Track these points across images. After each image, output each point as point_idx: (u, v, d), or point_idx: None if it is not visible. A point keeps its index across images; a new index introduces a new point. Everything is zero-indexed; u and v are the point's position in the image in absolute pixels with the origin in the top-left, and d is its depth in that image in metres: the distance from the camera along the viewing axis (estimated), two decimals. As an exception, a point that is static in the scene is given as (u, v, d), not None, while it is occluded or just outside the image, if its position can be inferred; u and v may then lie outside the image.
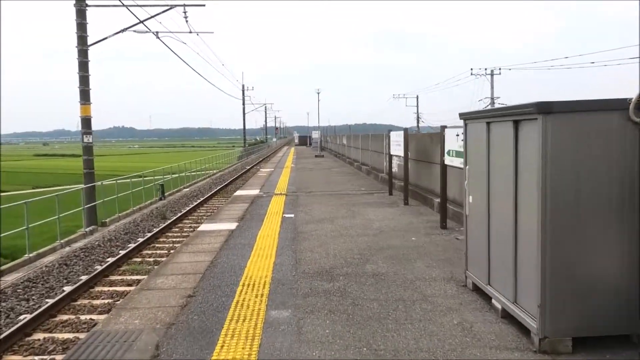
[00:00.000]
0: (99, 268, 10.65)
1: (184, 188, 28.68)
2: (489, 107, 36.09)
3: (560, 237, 3.69)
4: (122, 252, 12.00)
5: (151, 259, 11.69)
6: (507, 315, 4.39)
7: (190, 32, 19.44)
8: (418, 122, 65.19)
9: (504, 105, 4.27)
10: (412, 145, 12.36)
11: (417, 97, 64.46)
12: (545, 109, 3.60)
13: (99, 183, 18.59)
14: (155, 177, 27.27)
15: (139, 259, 11.75)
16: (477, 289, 5.13)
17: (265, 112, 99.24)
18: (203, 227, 9.55)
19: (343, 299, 5.11)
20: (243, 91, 63.25)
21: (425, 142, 12.10)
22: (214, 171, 42.91)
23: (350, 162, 27.41)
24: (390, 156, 13.46)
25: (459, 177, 9.20)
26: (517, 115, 4.04)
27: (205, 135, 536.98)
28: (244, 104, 62.70)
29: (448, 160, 8.18)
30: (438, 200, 10.26)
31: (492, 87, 35.65)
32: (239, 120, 69.75)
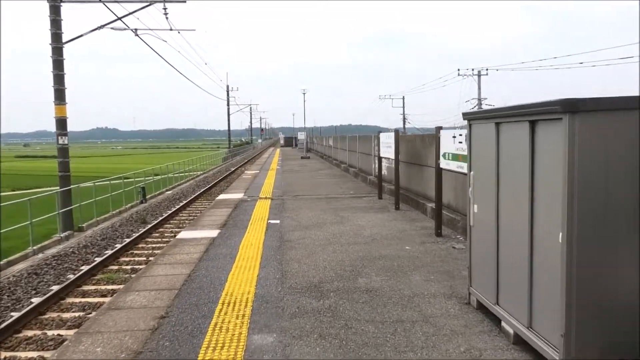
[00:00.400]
0: (72, 277, 10.00)
1: (167, 191, 27.94)
2: (476, 108, 35.86)
3: (589, 253, 3.18)
4: (98, 260, 11.36)
5: (128, 267, 11.07)
6: (520, 341, 3.89)
7: (171, 29, 18.77)
8: (404, 123, 65.02)
9: (517, 104, 3.74)
10: (403, 147, 11.88)
11: (403, 98, 64.29)
12: (572, 107, 3.09)
13: (76, 186, 17.84)
14: (137, 179, 26.53)
15: (115, 267, 11.13)
16: (482, 307, 4.63)
17: (251, 113, 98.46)
18: (183, 234, 8.95)
19: (335, 320, 4.57)
20: (227, 92, 62.45)
21: (417, 144, 11.62)
22: (198, 173, 42.11)
23: (337, 164, 26.91)
24: (380, 158, 12.96)
25: (453, 182, 8.75)
26: (535, 115, 3.54)
27: (190, 137, 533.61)
28: (228, 104, 61.89)
29: (444, 164, 7.70)
30: (431, 205, 9.79)
31: (479, 88, 35.48)
32: (223, 122, 68.63)
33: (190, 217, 16.32)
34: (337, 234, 8.55)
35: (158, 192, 26.41)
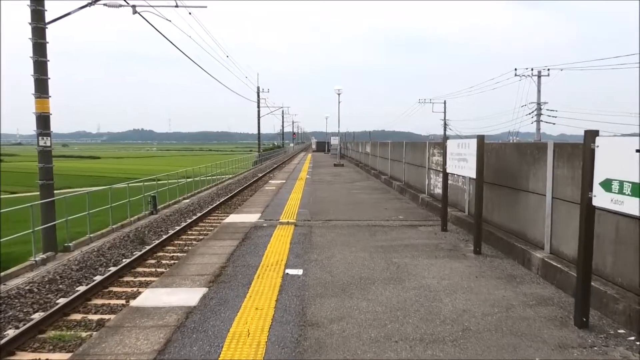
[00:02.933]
0: (9, 335, 6.95)
1: (184, 199, 24.98)
2: (535, 113, 31.70)
3: None
4: (61, 302, 8.34)
5: (95, 317, 7.99)
6: None
7: (177, 6, 15.59)
8: (445, 129, 60.91)
9: None
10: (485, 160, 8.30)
11: (445, 102, 60.25)
12: None
13: (62, 197, 14.86)
14: (160, 183, 23.66)
15: (78, 317, 8.03)
16: None
17: (283, 116, 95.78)
18: (144, 298, 5.59)
19: None
20: (258, 93, 59.59)
21: (508, 157, 8.02)
22: (225, 177, 39.29)
23: (376, 174, 23.36)
24: (446, 174, 9.42)
25: (613, 229, 5.10)
26: None
27: (224, 139, 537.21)
28: (258, 106, 58.99)
29: (606, 199, 4.13)
30: (539, 255, 6.21)
31: (538, 91, 31.14)
32: (256, 125, 65.84)
33: (186, 247, 13.08)
34: (395, 307, 5.08)
35: (173, 201, 23.44)
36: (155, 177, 26.05)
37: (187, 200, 24.49)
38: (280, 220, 10.51)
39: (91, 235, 15.05)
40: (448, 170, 9.12)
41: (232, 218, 11.18)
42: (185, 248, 12.63)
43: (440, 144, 12.17)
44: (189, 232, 14.93)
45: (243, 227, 9.82)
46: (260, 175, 36.52)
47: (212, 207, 19.83)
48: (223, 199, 22.53)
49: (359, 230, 9.52)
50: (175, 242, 13.75)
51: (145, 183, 23.51)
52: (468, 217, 9.61)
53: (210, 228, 14.55)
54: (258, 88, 60.43)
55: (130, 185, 21.50)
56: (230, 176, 41.02)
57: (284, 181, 21.39)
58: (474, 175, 7.59)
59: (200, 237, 13.56)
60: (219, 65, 40.97)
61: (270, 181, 22.36)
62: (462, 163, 8.20)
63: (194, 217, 17.27)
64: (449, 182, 11.13)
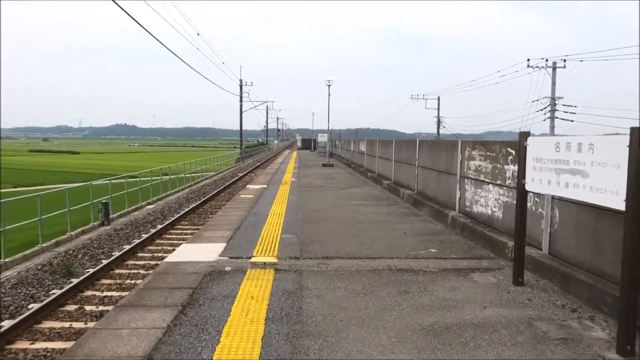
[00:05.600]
0: None
1: (148, 204, 21.15)
2: (549, 109, 28.33)
3: None
4: None
5: None
6: None
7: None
8: (439, 127, 57.68)
9: None
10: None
11: (439, 99, 56.95)
12: None
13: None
14: (129, 182, 19.81)
15: None
16: None
17: (267, 111, 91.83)
18: None
19: None
20: (241, 86, 55.53)
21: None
22: (208, 174, 35.50)
23: (374, 177, 19.76)
24: (524, 192, 5.81)
25: None
26: None
27: (209, 135, 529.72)
28: (241, 100, 54.89)
29: None
30: None
31: (553, 84, 27.71)
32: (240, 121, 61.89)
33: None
34: None
35: (134, 207, 19.57)
36: (126, 176, 22.09)
37: (152, 206, 20.69)
38: (253, 259, 6.82)
39: (7, 259, 11.27)
40: (532, 188, 5.51)
41: (183, 251, 7.45)
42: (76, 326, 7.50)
43: (485, 143, 8.59)
44: (118, 271, 10.57)
45: (193, 274, 6.12)
46: (240, 175, 32.72)
47: (174, 218, 16.07)
48: (192, 206, 18.78)
49: (379, 280, 5.89)
50: (128, 262, 9.95)
51: (114, 181, 19.74)
52: (551, 259, 6.05)
53: (144, 271, 10.40)
54: (241, 81, 56.37)
55: (95, 184, 17.77)
56: (213, 173, 37.26)
57: (265, 186, 17.67)
58: (614, 204, 4.00)
59: (123, 290, 9.08)
60: (201, 57, 37.04)
61: (248, 185, 18.60)
62: (573, 178, 4.61)
63: (144, 237, 13.48)
64: (504, 198, 7.57)
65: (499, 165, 7.88)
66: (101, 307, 8.17)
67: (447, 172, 10.59)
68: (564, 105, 27.93)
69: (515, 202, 7.29)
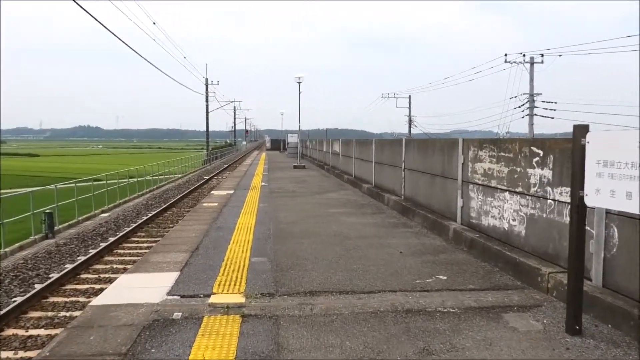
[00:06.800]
0: None
1: (102, 212, 19.07)
2: (527, 105, 27.38)
3: None
4: None
5: None
6: None
7: None
8: (410, 127, 56.78)
9: None
10: None
11: (410, 97, 56.04)
12: None
13: None
14: (85, 186, 17.69)
15: None
16: None
17: (234, 111, 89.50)
18: None
19: None
20: (206, 85, 53.27)
21: None
22: (174, 177, 33.33)
23: (351, 180, 18.22)
24: (582, 207, 4.29)
25: None
26: None
27: (175, 137, 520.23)
28: (207, 99, 52.62)
29: None
30: None
31: (531, 80, 26.82)
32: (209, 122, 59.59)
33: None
34: None
35: (85, 216, 17.49)
36: (76, 181, 19.92)
37: (107, 214, 18.66)
38: (212, 298, 5.12)
39: None
40: (597, 203, 4.00)
41: (119, 287, 5.68)
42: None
43: (497, 141, 7.11)
44: (31, 314, 9.01)
45: (126, 326, 4.38)
46: (206, 178, 30.77)
47: (129, 229, 14.18)
48: (151, 214, 16.89)
49: (385, 331, 4.28)
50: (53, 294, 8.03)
51: (66, 185, 17.57)
52: (611, 295, 4.57)
53: (66, 319, 8.13)
54: (206, 80, 54.09)
55: (42, 189, 15.69)
56: (180, 176, 35.13)
57: (232, 191, 15.90)
58: None
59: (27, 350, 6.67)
60: (162, 53, 34.87)
61: (213, 191, 16.78)
62: (628, 183, 3.11)
63: (91, 253, 11.58)
64: (527, 210, 6.09)
65: (518, 169, 6.40)
66: None
67: (443, 175, 9.10)
68: (543, 102, 27.19)
69: (543, 214, 5.81)
